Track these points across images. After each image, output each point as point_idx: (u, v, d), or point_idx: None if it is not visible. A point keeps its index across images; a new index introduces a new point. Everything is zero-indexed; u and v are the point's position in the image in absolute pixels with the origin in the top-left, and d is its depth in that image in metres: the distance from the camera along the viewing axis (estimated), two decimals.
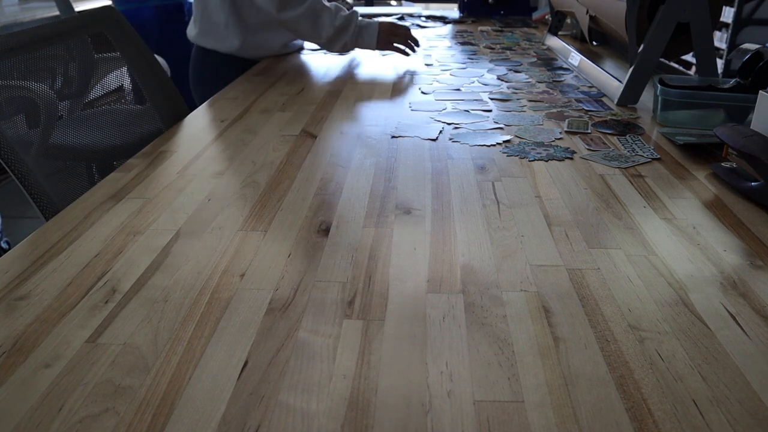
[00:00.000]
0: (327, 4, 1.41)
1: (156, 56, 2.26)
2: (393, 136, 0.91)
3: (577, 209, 0.68)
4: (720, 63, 2.99)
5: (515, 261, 0.57)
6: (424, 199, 0.70)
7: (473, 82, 1.26)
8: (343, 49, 1.47)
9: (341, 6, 1.44)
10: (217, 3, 1.43)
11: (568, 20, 1.81)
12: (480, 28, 2.02)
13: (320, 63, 1.48)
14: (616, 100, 1.10)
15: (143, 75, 1.09)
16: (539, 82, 1.26)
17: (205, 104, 1.11)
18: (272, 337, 0.46)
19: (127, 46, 1.06)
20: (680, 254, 0.58)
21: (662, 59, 1.12)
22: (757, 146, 0.70)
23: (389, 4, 2.97)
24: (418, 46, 1.53)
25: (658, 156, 0.84)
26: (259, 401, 0.40)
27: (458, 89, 1.21)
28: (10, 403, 0.40)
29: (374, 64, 1.46)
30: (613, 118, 1.02)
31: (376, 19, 1.49)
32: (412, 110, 1.06)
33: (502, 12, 2.29)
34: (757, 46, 0.98)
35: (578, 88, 1.21)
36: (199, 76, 1.56)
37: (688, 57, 2.97)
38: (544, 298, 0.51)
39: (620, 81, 1.11)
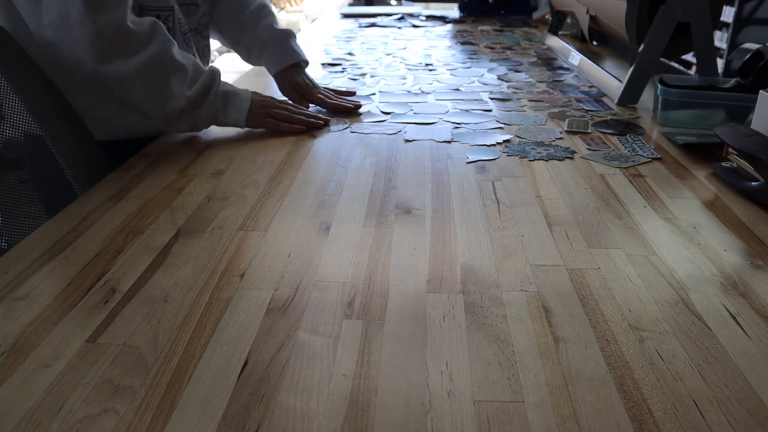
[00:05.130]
0: (179, 57, 0.85)
1: None
2: (406, 140, 0.91)
3: (578, 209, 0.68)
4: (720, 63, 2.99)
5: (515, 261, 0.57)
6: (424, 199, 0.70)
7: (473, 82, 1.26)
8: (191, 128, 0.91)
9: (195, 60, 0.89)
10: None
11: (568, 20, 1.81)
12: (480, 27, 2.02)
13: (319, 62, 1.48)
14: (616, 100, 1.10)
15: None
16: (539, 82, 1.26)
17: None
18: (272, 337, 0.46)
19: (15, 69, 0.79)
20: (680, 254, 0.58)
21: (662, 59, 1.12)
22: (757, 146, 0.70)
23: (389, 4, 2.97)
24: (317, 126, 0.96)
25: (659, 156, 0.84)
26: (259, 401, 0.40)
27: (458, 89, 1.21)
28: (10, 403, 0.40)
29: (374, 63, 1.46)
30: (614, 117, 1.02)
31: (242, 90, 0.94)
32: (414, 113, 1.06)
33: (502, 12, 2.29)
34: (758, 45, 0.98)
35: (578, 88, 1.21)
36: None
37: (689, 57, 2.97)
38: (544, 298, 0.51)
39: (620, 81, 1.11)
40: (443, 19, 2.20)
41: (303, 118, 0.96)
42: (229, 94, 0.92)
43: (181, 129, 0.90)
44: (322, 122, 0.97)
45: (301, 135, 0.93)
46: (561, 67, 1.41)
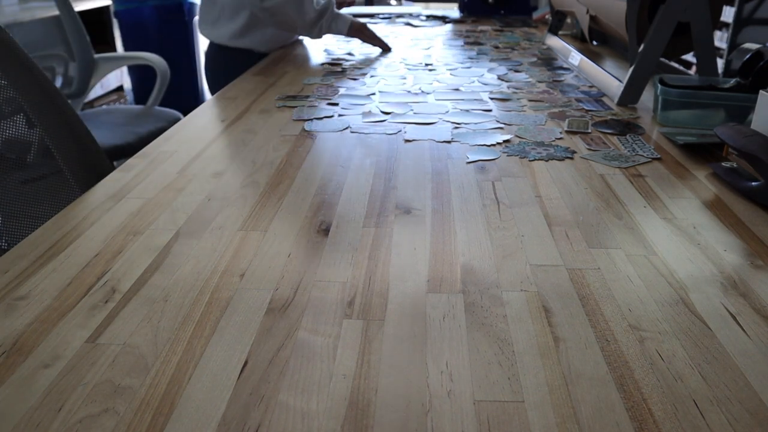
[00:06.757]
0: None
1: (155, 56, 2.23)
2: (406, 140, 0.91)
3: (578, 209, 0.68)
4: (720, 63, 2.99)
5: (515, 261, 0.57)
6: (424, 199, 0.70)
7: (473, 82, 1.26)
8: (318, 34, 1.62)
9: None
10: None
11: (569, 20, 1.81)
12: (480, 27, 2.02)
13: (319, 62, 1.48)
14: (616, 100, 1.10)
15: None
16: (539, 82, 1.26)
17: (204, 104, 1.11)
18: (272, 337, 0.46)
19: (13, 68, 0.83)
20: (680, 254, 0.58)
21: (662, 59, 1.12)
22: (757, 146, 0.70)
23: (389, 4, 2.97)
24: (387, 50, 1.64)
25: (659, 156, 0.84)
26: (259, 401, 0.40)
27: (458, 89, 1.21)
28: (10, 403, 0.40)
29: (374, 63, 1.46)
30: (614, 117, 1.02)
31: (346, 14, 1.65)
32: (414, 113, 1.06)
33: (502, 12, 2.29)
34: (758, 45, 0.98)
35: (578, 88, 1.21)
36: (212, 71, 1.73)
37: (689, 57, 2.97)
38: (544, 298, 0.51)
39: (620, 81, 1.11)
40: (443, 19, 2.20)
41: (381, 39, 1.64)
42: (339, 14, 1.62)
43: (314, 33, 1.60)
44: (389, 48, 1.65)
45: (301, 135, 0.93)
46: (561, 67, 1.41)
